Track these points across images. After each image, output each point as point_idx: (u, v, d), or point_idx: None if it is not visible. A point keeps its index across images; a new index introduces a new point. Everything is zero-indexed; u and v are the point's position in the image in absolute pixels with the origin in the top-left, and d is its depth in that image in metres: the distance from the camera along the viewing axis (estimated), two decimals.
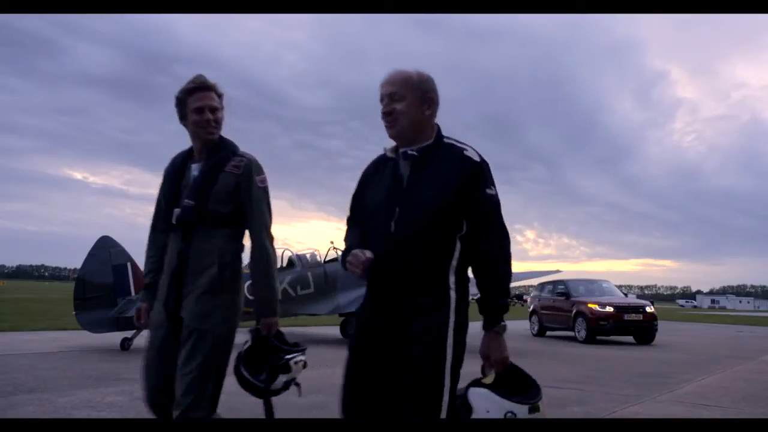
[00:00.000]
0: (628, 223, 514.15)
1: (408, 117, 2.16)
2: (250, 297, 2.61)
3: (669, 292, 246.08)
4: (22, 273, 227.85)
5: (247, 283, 2.59)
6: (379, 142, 2.32)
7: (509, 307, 2.18)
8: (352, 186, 2.42)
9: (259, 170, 2.68)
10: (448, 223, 2.10)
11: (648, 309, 14.29)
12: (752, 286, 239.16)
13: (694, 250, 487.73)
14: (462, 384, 2.09)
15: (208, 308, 2.50)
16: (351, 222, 2.37)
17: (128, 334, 9.31)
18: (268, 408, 2.61)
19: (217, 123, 2.65)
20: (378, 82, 2.25)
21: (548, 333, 16.09)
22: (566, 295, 15.27)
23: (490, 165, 2.19)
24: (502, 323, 2.09)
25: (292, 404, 4.26)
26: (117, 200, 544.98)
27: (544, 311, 16.07)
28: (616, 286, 17.07)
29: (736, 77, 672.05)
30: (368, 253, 2.09)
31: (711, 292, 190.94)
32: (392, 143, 2.26)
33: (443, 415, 1.99)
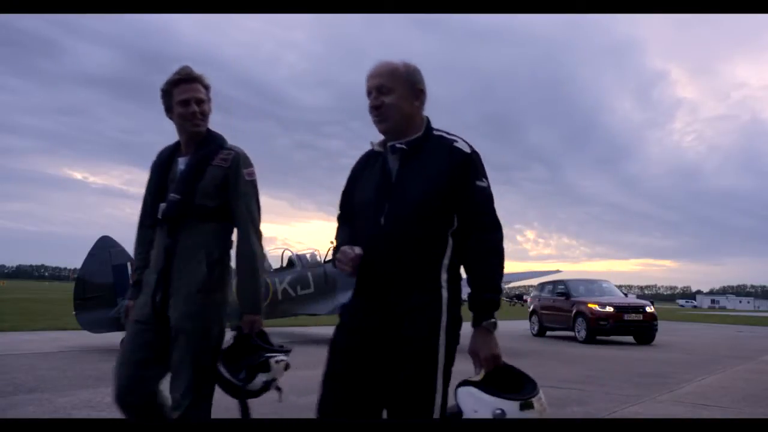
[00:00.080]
0: (628, 223, 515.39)
1: (398, 110, 2.09)
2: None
3: (669, 292, 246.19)
4: (22, 273, 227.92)
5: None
6: None
7: (500, 303, 2.06)
8: None
9: (247, 163, 2.59)
10: (439, 218, 2.03)
11: (648, 309, 14.28)
12: (752, 286, 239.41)
13: (694, 250, 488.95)
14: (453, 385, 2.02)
15: (199, 308, 2.43)
16: (341, 219, 2.31)
17: None
18: (244, 409, 2.42)
19: (204, 115, 2.55)
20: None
21: (548, 333, 16.07)
22: (566, 295, 15.26)
23: (481, 157, 2.11)
24: (492, 320, 1.99)
25: (292, 404, 4.26)
26: (117, 200, 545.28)
27: (544, 311, 16.05)
28: (616, 286, 17.05)
29: (736, 77, 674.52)
30: (357, 250, 2.02)
31: (711, 292, 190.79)
32: (381, 137, 2.19)
33: (436, 415, 1.95)
